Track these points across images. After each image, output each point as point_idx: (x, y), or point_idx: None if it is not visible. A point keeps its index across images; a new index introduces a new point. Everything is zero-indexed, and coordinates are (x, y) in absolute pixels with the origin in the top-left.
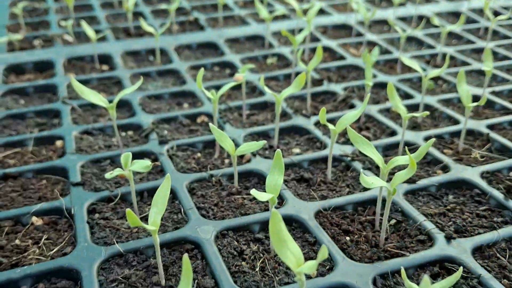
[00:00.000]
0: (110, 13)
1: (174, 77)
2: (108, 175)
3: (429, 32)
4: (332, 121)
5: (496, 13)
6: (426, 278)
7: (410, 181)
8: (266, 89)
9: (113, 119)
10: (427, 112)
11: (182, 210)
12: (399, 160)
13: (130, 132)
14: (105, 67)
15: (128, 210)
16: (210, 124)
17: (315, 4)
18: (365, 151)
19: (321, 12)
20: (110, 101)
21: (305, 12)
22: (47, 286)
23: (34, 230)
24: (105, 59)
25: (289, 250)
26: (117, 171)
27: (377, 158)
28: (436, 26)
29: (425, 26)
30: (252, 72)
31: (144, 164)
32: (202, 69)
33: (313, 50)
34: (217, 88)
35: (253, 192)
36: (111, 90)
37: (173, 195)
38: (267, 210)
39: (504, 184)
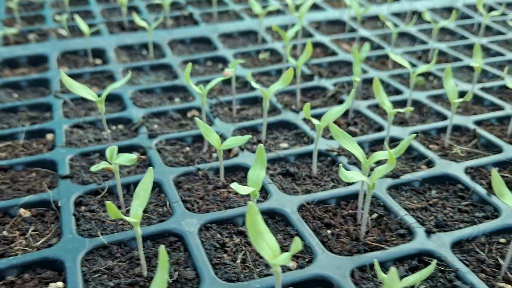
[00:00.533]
0: (105, 7)
1: (167, 72)
2: (93, 168)
3: (422, 28)
4: (321, 116)
5: (491, 9)
6: (393, 269)
7: (393, 176)
8: (253, 84)
9: (102, 112)
10: (411, 108)
11: (167, 203)
12: (380, 155)
13: (120, 126)
14: (98, 61)
15: (108, 202)
16: (196, 118)
17: None
18: (347, 146)
19: (316, 7)
20: (101, 95)
21: (298, 7)
22: (32, 276)
23: (21, 221)
24: (99, 53)
25: (265, 242)
26: (102, 164)
27: (359, 153)
28: (428, 22)
29: (419, 22)
30: (245, 67)
31: (129, 158)
32: (189, 64)
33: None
34: (209, 82)
35: (234, 186)
36: (103, 84)
37: (160, 189)
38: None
39: (487, 179)
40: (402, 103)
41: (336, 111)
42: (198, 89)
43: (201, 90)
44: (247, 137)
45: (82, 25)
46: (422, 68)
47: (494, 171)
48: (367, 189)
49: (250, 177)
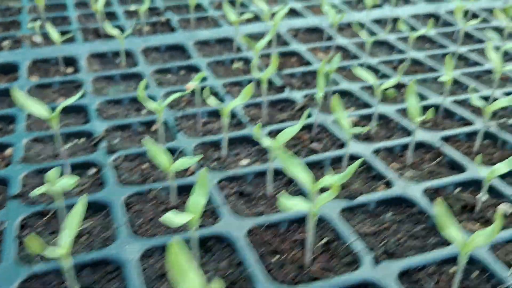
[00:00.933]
0: (83, 12)
1: (138, 81)
2: (34, 193)
3: (401, 36)
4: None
5: (474, 15)
6: None
7: (349, 197)
8: (211, 100)
9: (55, 128)
10: (368, 128)
11: (113, 226)
12: (326, 180)
13: (82, 140)
14: (70, 69)
15: (29, 238)
16: (145, 139)
17: (286, 6)
18: (292, 171)
19: (295, 14)
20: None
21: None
22: None
23: None
24: (71, 61)
25: (188, 281)
26: (44, 188)
27: (305, 178)
28: (401, 31)
29: (399, 30)
30: (217, 76)
31: (69, 182)
32: (144, 81)
33: (282, 54)
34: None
35: (165, 218)
36: (71, 94)
37: (108, 210)
38: (202, 226)
39: (446, 201)
40: (369, 118)
41: (290, 130)
42: (155, 105)
43: (158, 106)
44: (197, 158)
45: (53, 33)
46: (389, 83)
47: (439, 202)
48: (311, 217)
49: (190, 204)
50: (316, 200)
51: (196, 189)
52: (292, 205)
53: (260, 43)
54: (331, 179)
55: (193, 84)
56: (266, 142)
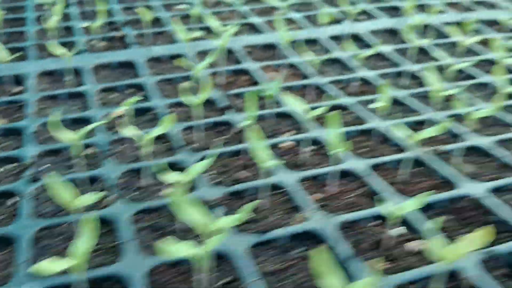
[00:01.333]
0: (43, 27)
1: (83, 101)
2: None
3: (355, 54)
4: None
5: (437, 30)
6: None
7: (261, 231)
8: (126, 131)
9: None
10: (279, 162)
11: (15, 263)
12: (219, 223)
13: (14, 165)
14: (18, 89)
15: None
16: (48, 175)
17: (239, 23)
18: (184, 215)
19: (254, 29)
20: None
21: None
22: None
23: None
24: (21, 80)
25: None
26: None
27: (197, 221)
28: (357, 48)
29: (355, 47)
30: (163, 96)
31: None
32: (58, 112)
33: (233, 73)
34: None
35: (40, 267)
36: (14, 116)
37: (14, 246)
38: (103, 265)
39: (358, 237)
40: (306, 143)
41: (201, 165)
42: (70, 135)
43: (73, 136)
44: (100, 195)
45: (1, 50)
46: (317, 110)
47: (315, 254)
48: (198, 262)
49: (73, 249)
50: (206, 243)
51: (81, 233)
52: (175, 251)
53: (202, 64)
54: (225, 221)
55: (119, 111)
56: (171, 178)
